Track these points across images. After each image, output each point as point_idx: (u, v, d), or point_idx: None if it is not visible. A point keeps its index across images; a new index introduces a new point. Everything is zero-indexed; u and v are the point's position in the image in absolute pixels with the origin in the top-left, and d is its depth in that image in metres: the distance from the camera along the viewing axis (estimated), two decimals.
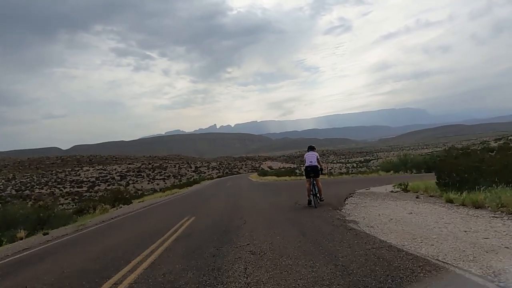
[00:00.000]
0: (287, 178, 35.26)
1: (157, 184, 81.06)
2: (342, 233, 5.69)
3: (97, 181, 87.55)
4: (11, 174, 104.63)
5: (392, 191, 11.54)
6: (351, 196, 11.00)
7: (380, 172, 31.88)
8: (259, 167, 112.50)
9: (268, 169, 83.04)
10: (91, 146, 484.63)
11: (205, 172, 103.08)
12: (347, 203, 9.46)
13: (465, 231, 5.07)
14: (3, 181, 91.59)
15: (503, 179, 7.89)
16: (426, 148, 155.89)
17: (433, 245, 4.45)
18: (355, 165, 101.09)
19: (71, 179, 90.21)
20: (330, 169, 64.71)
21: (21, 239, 10.95)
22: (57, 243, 8.92)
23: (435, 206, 7.66)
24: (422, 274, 3.41)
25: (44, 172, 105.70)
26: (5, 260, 7.41)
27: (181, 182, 62.88)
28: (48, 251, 7.85)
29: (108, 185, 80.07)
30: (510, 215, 5.93)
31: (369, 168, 59.01)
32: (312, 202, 9.37)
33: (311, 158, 9.64)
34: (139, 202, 24.45)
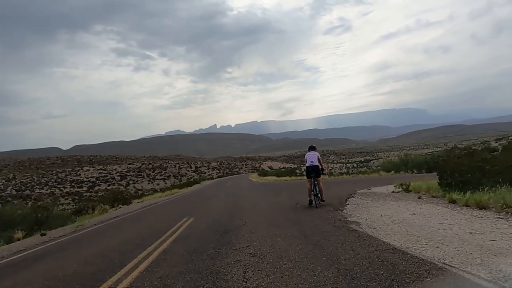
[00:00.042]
0: (287, 178, 35.13)
1: (157, 184, 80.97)
2: (344, 234, 5.56)
3: (97, 181, 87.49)
4: (12, 174, 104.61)
5: (393, 192, 11.38)
6: (352, 197, 10.86)
7: (381, 172, 31.74)
8: (259, 167, 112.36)
9: (269, 169, 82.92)
10: (91, 146, 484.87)
11: (205, 172, 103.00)
12: (348, 204, 9.33)
13: (471, 233, 4.93)
14: (3, 181, 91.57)
15: (507, 179, 7.76)
16: (427, 148, 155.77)
17: (438, 247, 4.31)
18: (355, 165, 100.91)
19: (71, 179, 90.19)
20: (330, 169, 64.52)
21: (19, 240, 10.83)
22: (53, 245, 8.78)
23: (438, 207, 7.51)
24: (428, 279, 3.26)
25: (44, 172, 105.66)
26: (1, 262, 7.28)
27: (181, 182, 62.76)
28: (44, 252, 7.71)
29: (109, 185, 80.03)
30: None
31: (369, 168, 58.91)
32: (313, 203, 9.26)
33: (312, 158, 9.53)
34: (138, 202, 24.31)
